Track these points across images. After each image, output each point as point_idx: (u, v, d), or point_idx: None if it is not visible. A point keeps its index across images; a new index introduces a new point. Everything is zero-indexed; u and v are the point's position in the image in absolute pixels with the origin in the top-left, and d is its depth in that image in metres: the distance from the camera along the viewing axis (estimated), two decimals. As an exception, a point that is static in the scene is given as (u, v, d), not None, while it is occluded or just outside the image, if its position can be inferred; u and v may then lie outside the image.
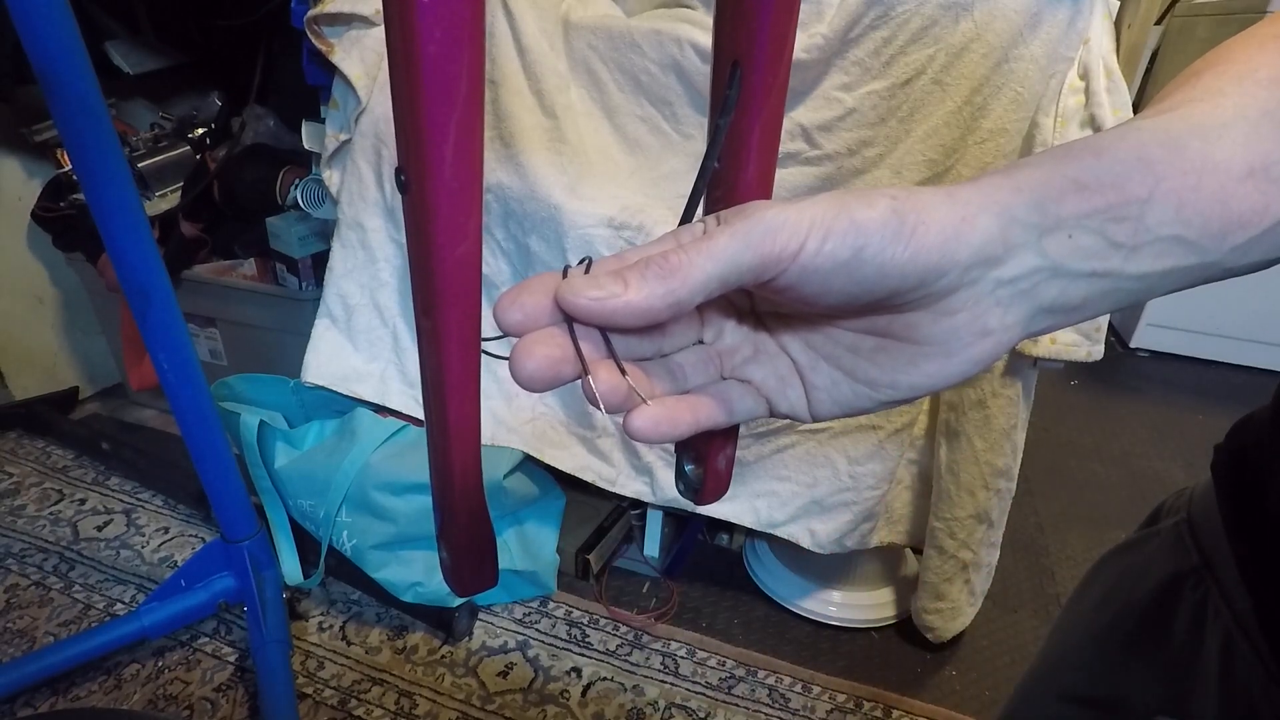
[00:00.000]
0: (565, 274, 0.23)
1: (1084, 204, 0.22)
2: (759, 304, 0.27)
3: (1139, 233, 0.23)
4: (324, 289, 1.12)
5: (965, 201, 0.22)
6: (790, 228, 0.21)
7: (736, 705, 1.00)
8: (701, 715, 0.98)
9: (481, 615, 1.12)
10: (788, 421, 1.05)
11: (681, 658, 1.06)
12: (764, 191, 0.32)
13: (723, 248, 0.21)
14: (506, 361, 0.23)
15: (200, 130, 1.45)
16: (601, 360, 0.23)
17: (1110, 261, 0.23)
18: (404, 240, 0.28)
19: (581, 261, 0.24)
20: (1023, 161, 0.24)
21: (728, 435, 0.32)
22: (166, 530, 1.29)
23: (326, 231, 1.24)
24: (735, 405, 0.27)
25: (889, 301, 0.23)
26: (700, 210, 0.32)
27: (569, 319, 0.23)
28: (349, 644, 1.07)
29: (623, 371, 0.23)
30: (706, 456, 0.33)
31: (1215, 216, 0.23)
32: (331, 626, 1.10)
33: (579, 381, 0.23)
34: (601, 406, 0.23)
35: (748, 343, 0.27)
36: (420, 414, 0.59)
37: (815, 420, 0.27)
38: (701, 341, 0.27)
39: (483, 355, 0.30)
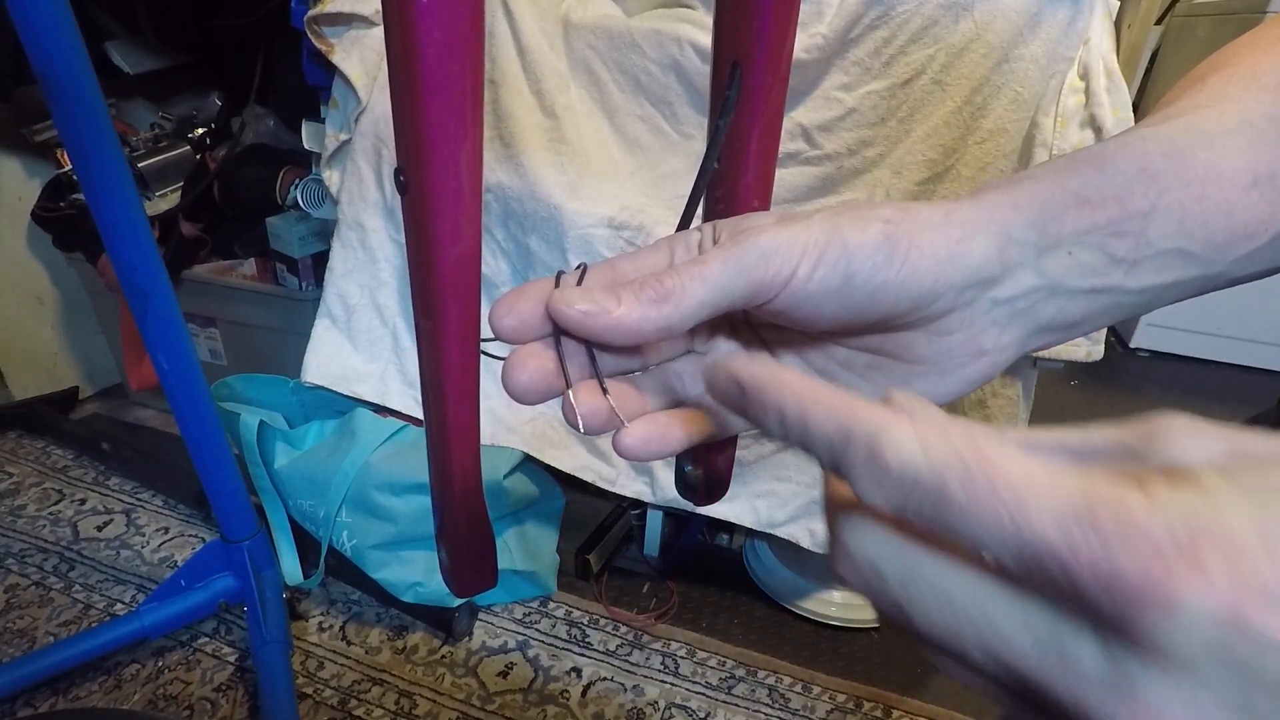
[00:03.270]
0: (558, 280, 0.23)
1: (1084, 220, 0.22)
2: (753, 315, 0.27)
3: (1140, 247, 0.22)
4: (324, 289, 1.12)
5: (962, 222, 0.22)
6: (783, 254, 0.21)
7: (736, 705, 1.00)
8: (701, 715, 0.98)
9: (481, 615, 1.11)
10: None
11: (681, 658, 1.06)
12: (764, 191, 0.32)
13: (715, 274, 0.21)
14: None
15: (200, 130, 1.45)
16: (586, 381, 0.23)
17: (1110, 277, 0.23)
18: (404, 240, 0.28)
19: (577, 268, 0.24)
20: (1024, 175, 0.23)
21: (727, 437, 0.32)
22: (166, 530, 1.29)
23: (326, 231, 1.24)
24: (729, 417, 0.26)
25: (883, 324, 0.23)
26: (700, 211, 0.32)
27: (557, 331, 0.23)
28: (349, 644, 1.07)
29: (604, 391, 0.23)
30: (706, 457, 0.33)
31: (1219, 228, 0.22)
32: (331, 626, 1.10)
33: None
34: (581, 427, 0.22)
35: (741, 353, 0.27)
36: (420, 414, 0.59)
37: None
38: (693, 351, 0.27)
39: (482, 355, 0.30)
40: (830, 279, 0.21)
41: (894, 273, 0.21)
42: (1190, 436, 0.14)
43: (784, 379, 0.17)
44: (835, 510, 0.17)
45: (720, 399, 0.19)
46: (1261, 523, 0.12)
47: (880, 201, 0.23)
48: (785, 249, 0.21)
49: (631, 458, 0.23)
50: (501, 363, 0.23)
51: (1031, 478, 0.14)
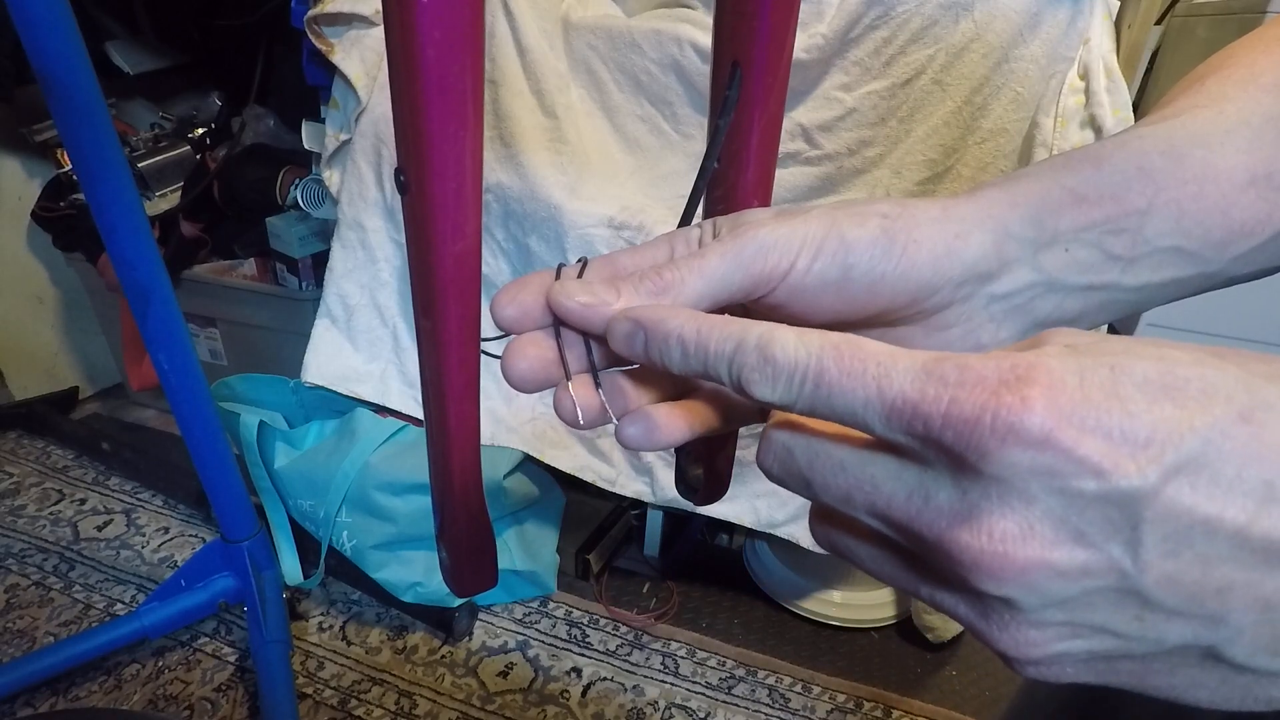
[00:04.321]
0: (559, 273, 0.23)
1: (1082, 217, 0.22)
2: (752, 309, 0.27)
3: (1138, 245, 0.23)
4: (324, 289, 1.12)
5: (960, 218, 0.22)
6: (782, 247, 0.21)
7: (736, 705, 1.00)
8: (701, 715, 0.98)
9: (481, 615, 1.12)
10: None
11: (681, 658, 1.06)
12: (764, 191, 0.32)
13: (714, 267, 0.21)
14: None
15: (200, 130, 1.45)
16: (583, 374, 0.23)
17: (1107, 274, 0.23)
18: (404, 240, 0.28)
19: (578, 261, 0.24)
20: (1022, 173, 0.24)
21: (727, 436, 0.32)
22: (166, 530, 1.29)
23: (326, 231, 1.24)
24: (732, 409, 0.27)
25: (881, 318, 0.23)
26: (700, 210, 0.32)
27: (557, 322, 0.23)
28: (349, 644, 1.07)
29: (598, 385, 0.23)
30: (706, 456, 0.33)
31: (1216, 226, 0.22)
32: (331, 626, 1.10)
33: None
34: (581, 419, 0.23)
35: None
36: (420, 414, 0.59)
37: None
38: None
39: (482, 355, 0.30)
40: (828, 272, 0.21)
41: (891, 266, 0.21)
42: (1065, 334, 0.16)
43: (680, 312, 0.20)
44: (766, 427, 0.20)
45: (623, 346, 0.21)
46: (1080, 367, 0.14)
47: (878, 198, 0.23)
48: (784, 242, 0.21)
49: (634, 448, 0.23)
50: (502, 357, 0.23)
51: (893, 353, 0.16)
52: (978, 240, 0.22)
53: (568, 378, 0.23)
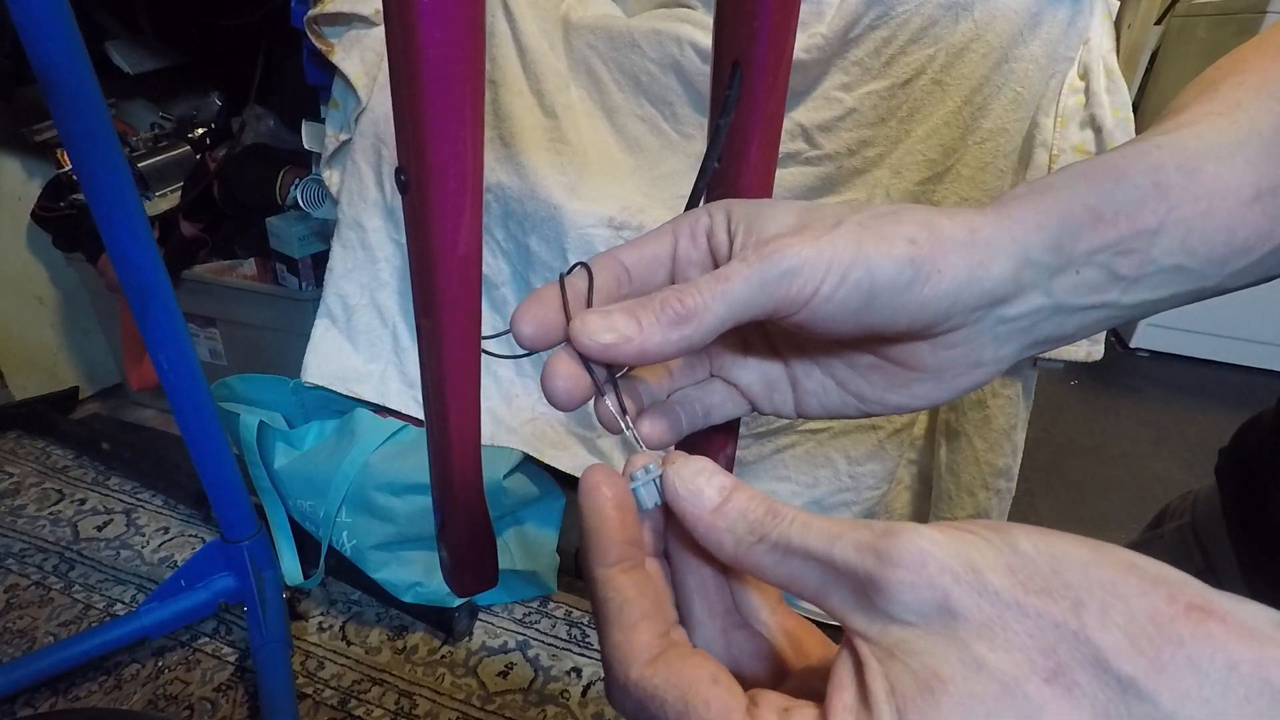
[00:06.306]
0: (561, 282, 0.23)
1: (1098, 238, 0.22)
2: (770, 323, 0.27)
3: (1144, 265, 0.23)
4: (324, 289, 1.12)
5: (985, 243, 0.22)
6: (807, 272, 0.21)
7: (736, 705, 0.99)
8: (701, 715, 0.98)
9: (481, 615, 1.11)
10: (788, 421, 1.05)
11: (681, 658, 1.06)
12: (764, 192, 0.32)
13: (738, 291, 0.21)
14: (507, 360, 0.24)
15: (200, 130, 1.45)
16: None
17: (1108, 294, 0.23)
18: (404, 240, 0.28)
19: (571, 269, 0.24)
20: (1047, 184, 0.23)
21: (727, 435, 0.32)
22: (166, 530, 1.29)
23: (326, 231, 1.24)
24: (714, 411, 0.27)
25: (894, 338, 0.23)
26: (700, 210, 0.32)
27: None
28: (349, 644, 1.07)
29: (622, 407, 0.24)
30: (706, 457, 0.33)
31: (1219, 243, 0.23)
32: (331, 626, 1.10)
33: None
34: (631, 428, 0.24)
35: (739, 343, 0.27)
36: (420, 414, 0.59)
37: (800, 417, 0.28)
38: None
39: (483, 355, 0.30)
40: (851, 299, 0.21)
41: (913, 296, 0.21)
42: (910, 596, 0.15)
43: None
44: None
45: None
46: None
47: (904, 209, 0.22)
48: (809, 267, 0.21)
49: (656, 446, 0.25)
50: (502, 360, 0.23)
51: None
52: (999, 267, 0.22)
53: (600, 393, 0.23)
